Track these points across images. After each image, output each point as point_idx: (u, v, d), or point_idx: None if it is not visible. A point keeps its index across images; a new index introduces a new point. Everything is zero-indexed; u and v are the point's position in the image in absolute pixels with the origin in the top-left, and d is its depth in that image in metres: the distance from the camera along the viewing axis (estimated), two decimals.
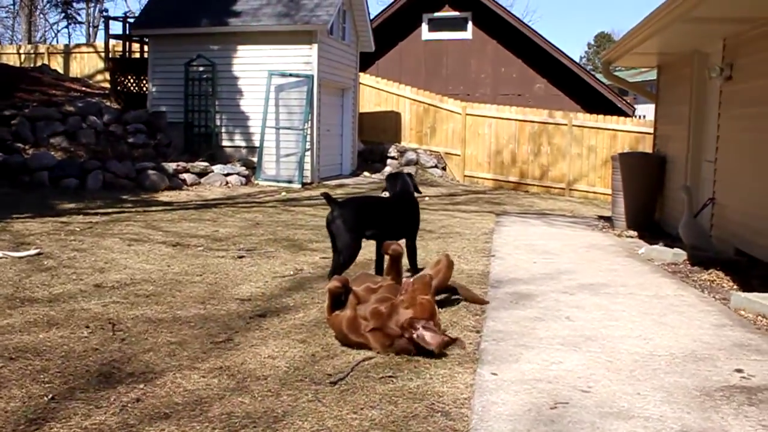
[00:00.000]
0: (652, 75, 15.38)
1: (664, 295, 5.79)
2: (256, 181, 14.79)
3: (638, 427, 3.08)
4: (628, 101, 22.01)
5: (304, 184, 14.67)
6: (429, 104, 19.14)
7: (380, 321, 3.93)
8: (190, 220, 9.29)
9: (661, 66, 10.84)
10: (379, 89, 19.79)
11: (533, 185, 18.08)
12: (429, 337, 3.82)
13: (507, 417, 3.16)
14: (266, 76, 15.19)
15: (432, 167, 18.68)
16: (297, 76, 15.12)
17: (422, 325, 3.84)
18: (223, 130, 15.96)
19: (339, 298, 4.18)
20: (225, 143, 15.94)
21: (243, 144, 15.83)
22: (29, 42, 32.61)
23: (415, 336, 3.82)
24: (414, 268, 5.83)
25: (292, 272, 6.21)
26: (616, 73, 12.53)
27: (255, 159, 15.33)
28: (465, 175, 18.68)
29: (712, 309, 5.34)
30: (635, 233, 9.75)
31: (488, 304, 5.25)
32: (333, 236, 5.46)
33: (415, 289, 3.98)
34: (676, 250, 7.61)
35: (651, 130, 12.53)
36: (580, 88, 20.77)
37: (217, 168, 14.31)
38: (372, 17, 19.53)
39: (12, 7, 39.99)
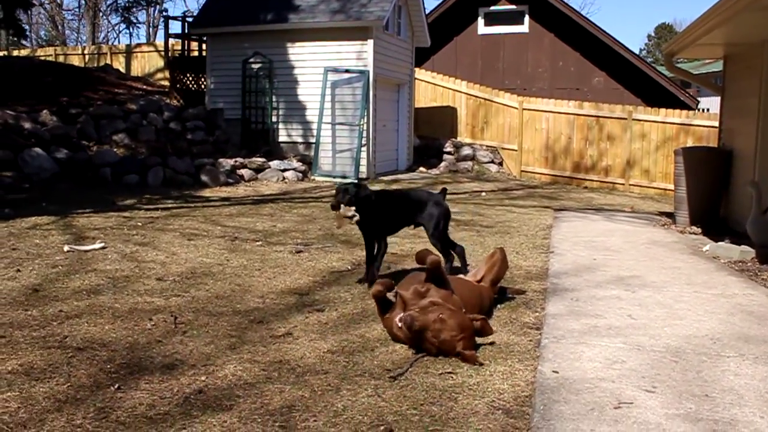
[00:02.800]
0: (717, 66, 14.88)
1: (732, 294, 5.60)
2: (312, 177, 14.90)
3: (708, 430, 2.98)
4: (691, 94, 21.40)
5: (360, 180, 14.71)
6: (485, 99, 18.96)
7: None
8: (248, 215, 9.41)
9: (728, 57, 10.48)
10: (434, 84, 19.69)
11: (591, 180, 17.74)
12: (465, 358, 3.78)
13: (569, 416, 3.10)
14: (322, 72, 15.27)
15: (488, 162, 18.51)
16: (352, 71, 15.16)
17: (460, 348, 3.78)
18: (280, 126, 16.12)
19: (385, 300, 4.17)
20: (282, 139, 16.10)
21: (299, 140, 15.96)
22: (93, 43, 33.56)
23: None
24: None
25: (349, 267, 6.22)
26: (679, 65, 12.18)
27: (311, 154, 15.44)
28: (521, 170, 18.45)
29: None
30: (699, 230, 9.47)
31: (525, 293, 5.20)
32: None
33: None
34: (744, 247, 7.35)
35: (716, 124, 12.14)
36: (641, 81, 20.27)
37: (274, 164, 14.47)
38: (427, 12, 19.43)
39: (77, 10, 41.24)
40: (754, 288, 5.89)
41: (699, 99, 22.40)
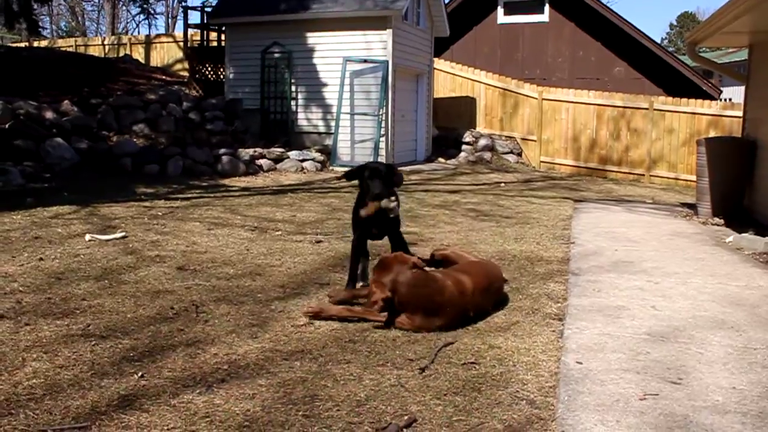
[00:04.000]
0: (741, 56, 14.64)
1: (757, 286, 5.52)
2: (331, 167, 14.90)
3: (735, 422, 2.94)
4: (714, 84, 21.11)
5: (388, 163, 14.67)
6: (504, 89, 18.84)
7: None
8: (268, 205, 9.42)
9: (754, 45, 10.32)
10: (453, 74, 19.59)
11: (612, 171, 17.59)
12: None
13: (594, 407, 3.07)
14: (341, 62, 15.24)
15: (507, 153, 18.41)
16: (371, 62, 15.11)
17: None
18: (299, 116, 16.13)
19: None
20: (300, 129, 16.11)
21: (318, 130, 15.96)
22: (112, 33, 33.76)
23: None
24: None
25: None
26: (702, 54, 12.01)
27: (330, 145, 15.43)
28: (541, 161, 18.33)
29: None
30: (722, 221, 9.36)
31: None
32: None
33: None
34: None
35: (740, 114, 11.97)
36: (662, 71, 20.02)
37: (293, 154, 14.48)
38: (446, 2, 19.32)
39: (97, 1, 41.46)
40: None
41: (721, 89, 22.10)
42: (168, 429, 2.78)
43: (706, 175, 9.85)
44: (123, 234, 6.88)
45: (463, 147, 18.41)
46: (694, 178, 11.43)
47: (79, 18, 45.75)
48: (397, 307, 4.07)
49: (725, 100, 20.60)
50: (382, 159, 15.00)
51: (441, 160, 17.68)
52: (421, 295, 4.06)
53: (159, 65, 22.48)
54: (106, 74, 16.84)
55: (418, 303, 4.05)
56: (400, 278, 4.06)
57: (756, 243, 7.24)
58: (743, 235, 7.61)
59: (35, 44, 26.27)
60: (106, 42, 26.06)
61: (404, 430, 2.79)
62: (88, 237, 6.66)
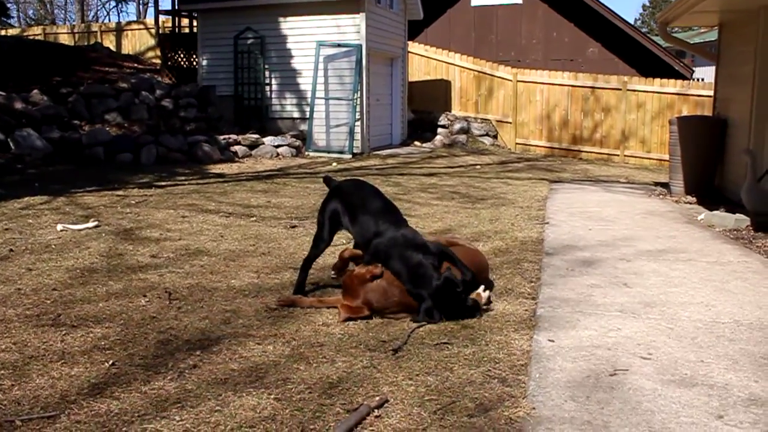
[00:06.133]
0: (712, 36, 14.74)
1: (727, 262, 5.60)
2: (306, 153, 14.83)
3: (702, 395, 2.99)
4: (686, 63, 21.27)
5: (354, 155, 14.65)
6: (479, 71, 18.83)
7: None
8: (242, 191, 9.37)
9: (724, 24, 10.40)
10: (428, 57, 19.54)
11: (587, 152, 17.69)
12: None
13: (565, 383, 3.10)
14: (315, 47, 15.14)
15: (483, 135, 18.43)
16: (345, 46, 15.03)
17: None
18: (273, 102, 16.01)
19: None
20: (275, 115, 16.00)
21: (293, 115, 15.86)
22: (82, 21, 33.21)
23: None
24: None
25: (344, 241, 6.19)
26: (674, 35, 12.08)
27: (305, 130, 15.36)
28: (517, 143, 18.39)
29: None
30: (694, 199, 9.48)
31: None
32: None
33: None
34: (738, 215, 7.36)
35: (711, 93, 12.08)
36: (636, 52, 20.13)
37: (268, 140, 14.38)
38: None
39: None
40: (749, 255, 5.90)
41: (694, 69, 22.28)
42: (139, 415, 2.76)
43: (679, 153, 9.96)
44: (95, 223, 6.81)
45: (439, 130, 18.41)
46: (667, 157, 11.53)
47: (48, 5, 44.96)
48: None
49: (698, 79, 20.78)
50: (357, 143, 14.97)
51: (417, 143, 17.67)
52: (396, 298, 4.04)
53: (131, 53, 22.14)
54: (76, 63, 16.57)
55: (395, 306, 4.05)
56: (369, 295, 4.03)
57: (726, 220, 7.34)
58: (714, 212, 7.72)
59: (2, 33, 25.78)
60: (75, 30, 25.61)
61: (376, 410, 2.79)
62: (59, 227, 6.58)
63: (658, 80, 17.07)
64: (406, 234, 4.16)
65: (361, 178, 5.48)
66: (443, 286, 3.88)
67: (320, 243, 4.51)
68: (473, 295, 4.04)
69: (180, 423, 2.71)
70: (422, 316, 3.90)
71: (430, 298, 3.89)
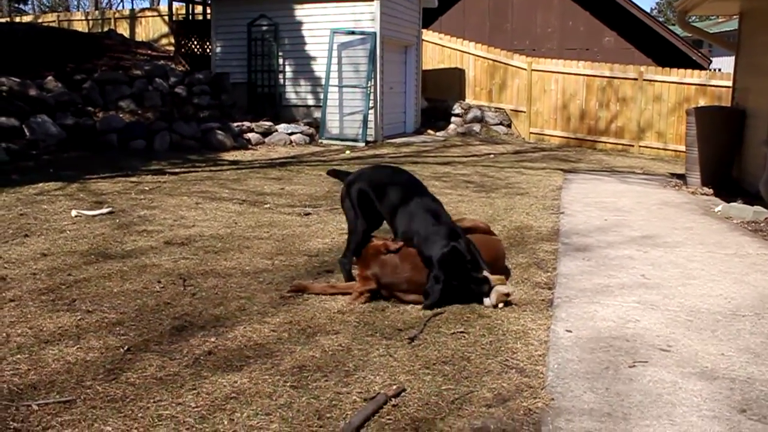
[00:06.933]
0: (730, 26, 14.53)
1: (746, 254, 5.53)
2: (320, 140, 14.79)
3: (724, 388, 2.94)
4: (704, 54, 21.03)
5: (367, 143, 14.58)
6: (493, 60, 18.69)
7: None
8: (256, 178, 9.35)
9: (744, 13, 10.25)
10: (442, 46, 19.40)
11: (602, 142, 17.54)
12: None
13: (584, 375, 3.06)
14: (328, 34, 15.06)
15: (497, 124, 18.31)
16: (359, 33, 14.94)
17: None
18: (287, 89, 15.96)
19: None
20: (288, 102, 15.95)
21: (306, 103, 15.81)
22: (96, 8, 33.24)
23: None
24: None
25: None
26: (693, 24, 11.92)
27: (318, 117, 15.31)
28: (531, 132, 18.26)
29: None
30: (711, 191, 9.37)
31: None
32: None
33: None
34: (757, 207, 7.26)
35: (730, 84, 11.93)
36: (652, 41, 19.91)
37: (281, 127, 14.35)
38: None
39: None
40: None
41: (711, 59, 22.03)
42: (154, 402, 2.75)
43: (696, 144, 9.84)
44: (110, 209, 6.81)
45: (453, 119, 18.31)
46: (682, 148, 11.41)
47: None
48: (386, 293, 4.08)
49: (715, 70, 20.54)
50: (370, 131, 14.90)
51: (430, 132, 17.58)
52: (407, 275, 4.02)
53: (144, 40, 22.14)
54: (90, 50, 16.57)
55: (404, 283, 4.03)
56: (378, 269, 4.06)
57: (744, 212, 7.25)
58: (732, 204, 7.62)
59: (17, 20, 25.83)
60: (89, 17, 25.65)
61: (393, 399, 2.77)
62: (74, 213, 6.59)
63: (676, 70, 16.87)
64: (434, 204, 4.25)
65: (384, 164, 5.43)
66: (449, 253, 3.91)
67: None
68: (496, 294, 3.99)
69: (196, 409, 2.69)
70: (430, 282, 3.93)
71: (438, 265, 3.91)
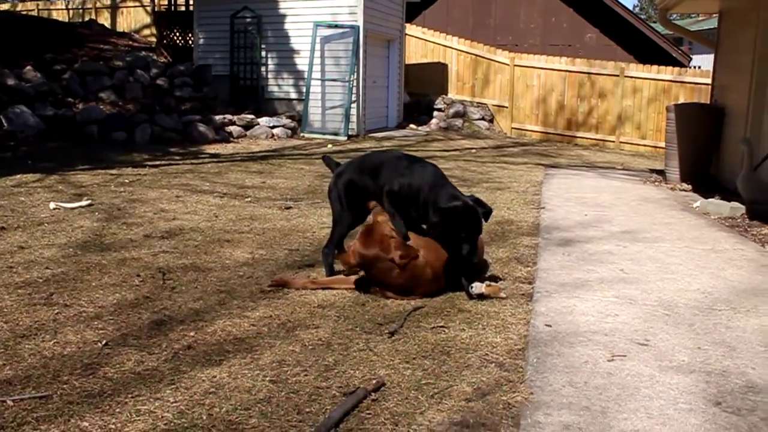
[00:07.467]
0: (711, 24, 14.64)
1: (722, 249, 5.59)
2: (302, 134, 14.74)
3: (700, 381, 2.97)
4: (684, 51, 21.20)
5: (350, 137, 14.56)
6: (476, 55, 18.72)
7: None
8: (237, 171, 9.31)
9: (723, 12, 10.34)
10: (425, 40, 19.41)
11: (582, 138, 17.66)
12: None
13: (563, 368, 3.08)
14: (312, 28, 15.00)
15: (479, 119, 18.36)
16: (342, 27, 14.90)
17: None
18: (269, 82, 15.89)
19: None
20: (271, 95, 15.88)
21: (289, 96, 15.75)
22: None
23: None
24: None
25: None
26: (674, 21, 12.01)
27: (301, 111, 15.26)
28: (513, 128, 18.33)
29: None
30: (689, 187, 9.47)
31: None
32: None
33: None
34: (734, 203, 7.35)
35: (709, 81, 12.04)
36: (634, 38, 20.05)
37: (263, 120, 14.29)
38: None
39: None
40: (744, 243, 5.90)
41: (691, 56, 22.22)
42: (132, 397, 2.73)
43: (675, 141, 9.93)
44: (89, 202, 6.74)
45: (435, 113, 18.33)
46: (662, 144, 11.51)
47: None
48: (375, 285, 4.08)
49: (695, 67, 20.73)
50: (353, 125, 14.87)
51: (412, 126, 17.59)
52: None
53: (126, 31, 21.93)
54: (70, 39, 16.39)
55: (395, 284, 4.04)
56: (361, 246, 4.02)
57: (721, 208, 7.33)
58: (710, 200, 7.71)
59: None
60: (70, 6, 25.34)
61: (372, 393, 2.77)
62: (52, 205, 6.52)
63: (655, 67, 17.01)
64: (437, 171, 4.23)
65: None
66: (463, 206, 3.98)
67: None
68: (490, 288, 4.01)
69: (174, 405, 2.68)
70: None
71: (437, 213, 3.97)
